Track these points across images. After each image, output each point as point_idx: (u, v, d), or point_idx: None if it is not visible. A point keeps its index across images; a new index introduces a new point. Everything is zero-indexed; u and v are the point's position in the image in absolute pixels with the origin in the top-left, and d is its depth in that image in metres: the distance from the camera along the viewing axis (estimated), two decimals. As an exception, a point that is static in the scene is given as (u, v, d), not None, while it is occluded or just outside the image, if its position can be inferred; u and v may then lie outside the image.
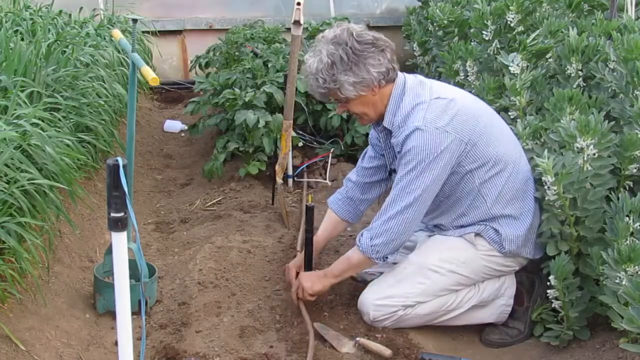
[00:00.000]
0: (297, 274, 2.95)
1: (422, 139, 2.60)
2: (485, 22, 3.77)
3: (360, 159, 3.09)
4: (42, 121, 2.98)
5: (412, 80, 2.76)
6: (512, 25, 3.67)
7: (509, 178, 2.72)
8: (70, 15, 5.21)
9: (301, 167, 4.39)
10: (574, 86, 3.06)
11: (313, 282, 2.82)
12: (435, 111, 2.63)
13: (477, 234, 2.75)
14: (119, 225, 1.71)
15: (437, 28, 4.68)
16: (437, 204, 2.79)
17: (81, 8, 5.56)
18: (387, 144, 2.85)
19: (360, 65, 2.62)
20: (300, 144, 4.46)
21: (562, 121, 2.70)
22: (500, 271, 2.80)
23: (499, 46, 3.74)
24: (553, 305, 2.70)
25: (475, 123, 2.66)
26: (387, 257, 2.75)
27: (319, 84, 2.68)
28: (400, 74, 2.75)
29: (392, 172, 2.91)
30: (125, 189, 1.67)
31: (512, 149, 2.77)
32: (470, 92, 3.60)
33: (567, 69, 3.12)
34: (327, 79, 2.64)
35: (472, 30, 4.04)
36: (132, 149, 2.83)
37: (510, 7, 3.65)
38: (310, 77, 2.71)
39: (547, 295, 2.69)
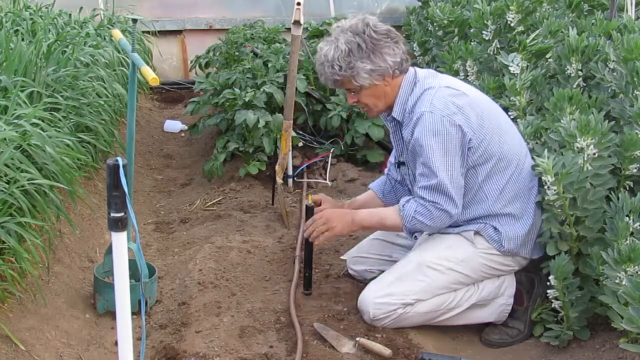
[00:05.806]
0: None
1: (432, 122, 2.60)
2: (485, 22, 3.77)
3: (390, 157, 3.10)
4: (42, 121, 2.98)
5: (425, 71, 2.79)
6: (512, 25, 3.67)
7: (511, 176, 2.72)
8: (70, 15, 5.21)
9: (301, 167, 4.39)
10: (574, 86, 3.06)
11: (341, 224, 2.80)
12: (444, 99, 2.64)
13: (477, 232, 2.75)
14: (119, 225, 1.71)
15: (437, 28, 4.68)
16: None
17: (81, 8, 5.56)
18: (395, 135, 2.87)
19: (377, 53, 2.65)
20: (300, 144, 4.46)
21: (562, 121, 2.70)
22: (499, 270, 2.80)
23: (499, 46, 3.74)
24: (553, 305, 2.70)
25: (483, 118, 2.67)
26: (416, 236, 2.78)
27: (334, 71, 2.67)
28: (410, 67, 2.77)
29: (401, 164, 2.91)
30: (125, 189, 1.67)
31: (517, 148, 2.78)
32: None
33: (567, 69, 3.12)
34: (343, 65, 2.65)
35: (472, 30, 4.04)
36: (132, 149, 2.83)
37: (510, 7, 3.65)
38: (325, 64, 2.69)
39: (547, 295, 2.69)
